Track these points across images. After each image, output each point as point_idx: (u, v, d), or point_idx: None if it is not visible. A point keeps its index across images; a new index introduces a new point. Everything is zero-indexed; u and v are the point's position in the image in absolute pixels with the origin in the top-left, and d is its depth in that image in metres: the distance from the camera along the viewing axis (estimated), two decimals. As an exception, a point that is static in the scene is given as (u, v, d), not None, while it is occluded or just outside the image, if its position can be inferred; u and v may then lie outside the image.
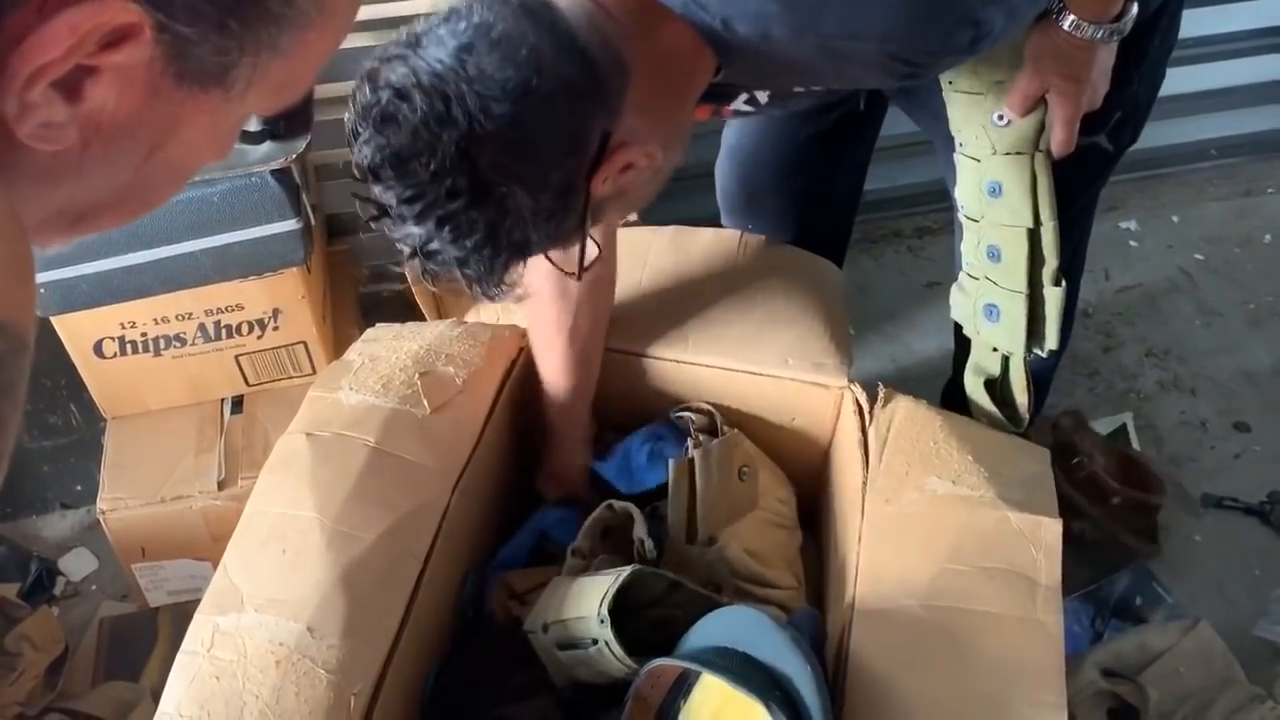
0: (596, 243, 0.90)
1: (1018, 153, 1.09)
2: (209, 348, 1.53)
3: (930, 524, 1.06)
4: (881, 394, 1.18)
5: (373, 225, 0.82)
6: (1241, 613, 1.60)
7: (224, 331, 1.52)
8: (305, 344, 1.56)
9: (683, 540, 1.18)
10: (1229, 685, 1.41)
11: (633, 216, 1.42)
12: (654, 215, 1.39)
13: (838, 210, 1.59)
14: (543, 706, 1.07)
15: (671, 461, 1.16)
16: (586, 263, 0.89)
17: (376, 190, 0.80)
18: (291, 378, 1.60)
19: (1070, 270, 1.23)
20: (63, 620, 1.63)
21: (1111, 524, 1.65)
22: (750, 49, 0.89)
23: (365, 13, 1.53)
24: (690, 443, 1.22)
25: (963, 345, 1.31)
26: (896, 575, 1.03)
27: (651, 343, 1.29)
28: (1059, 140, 1.08)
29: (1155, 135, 1.78)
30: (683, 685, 1.03)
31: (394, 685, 0.98)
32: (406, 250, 0.82)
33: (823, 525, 1.32)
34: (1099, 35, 1.01)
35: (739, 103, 1.10)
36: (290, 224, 1.40)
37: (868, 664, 0.98)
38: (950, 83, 1.11)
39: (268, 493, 1.07)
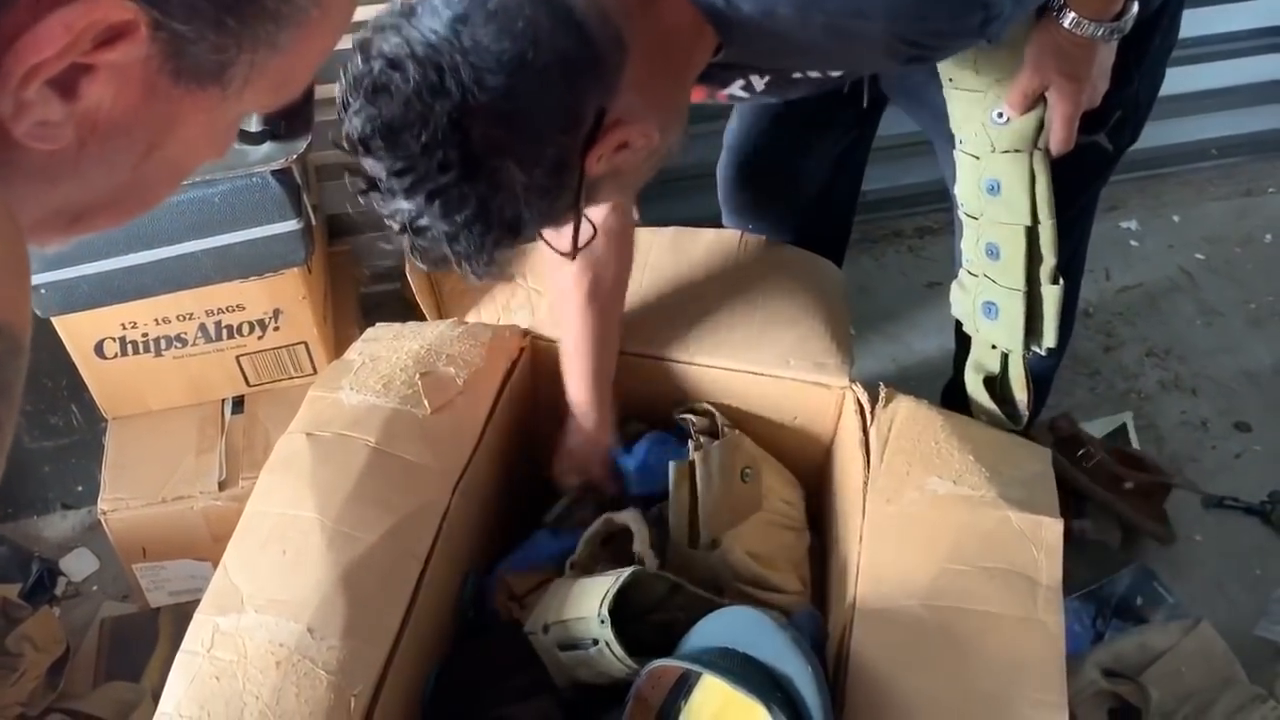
0: (591, 223, 0.88)
1: (1016, 151, 1.09)
2: (210, 348, 1.53)
3: (931, 524, 1.06)
4: (883, 394, 1.18)
5: (361, 200, 0.80)
6: (1242, 612, 1.60)
7: (225, 332, 1.52)
8: (306, 344, 1.56)
9: (685, 544, 1.18)
10: (1230, 685, 1.41)
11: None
12: (654, 215, 1.39)
13: (838, 210, 1.59)
14: (543, 707, 1.07)
15: (672, 464, 1.16)
16: (581, 242, 0.87)
17: (367, 163, 0.78)
18: (292, 378, 1.60)
19: (1070, 270, 1.23)
20: (64, 621, 1.63)
21: (1126, 509, 1.65)
22: (753, 26, 0.87)
23: (364, 12, 1.52)
24: (691, 445, 1.22)
25: (963, 343, 1.31)
26: (897, 575, 1.03)
27: (653, 343, 1.29)
28: (1058, 139, 1.07)
29: (1156, 135, 1.77)
30: (683, 686, 1.03)
31: (394, 686, 0.98)
32: (395, 226, 0.81)
33: (824, 525, 1.32)
34: (1099, 33, 1.01)
35: (734, 88, 1.09)
36: (291, 224, 1.40)
37: (869, 664, 0.98)
38: (951, 80, 1.11)
39: (268, 493, 1.07)
